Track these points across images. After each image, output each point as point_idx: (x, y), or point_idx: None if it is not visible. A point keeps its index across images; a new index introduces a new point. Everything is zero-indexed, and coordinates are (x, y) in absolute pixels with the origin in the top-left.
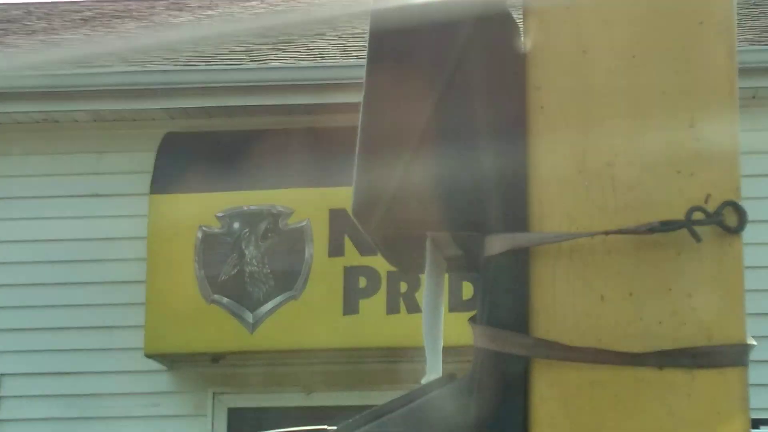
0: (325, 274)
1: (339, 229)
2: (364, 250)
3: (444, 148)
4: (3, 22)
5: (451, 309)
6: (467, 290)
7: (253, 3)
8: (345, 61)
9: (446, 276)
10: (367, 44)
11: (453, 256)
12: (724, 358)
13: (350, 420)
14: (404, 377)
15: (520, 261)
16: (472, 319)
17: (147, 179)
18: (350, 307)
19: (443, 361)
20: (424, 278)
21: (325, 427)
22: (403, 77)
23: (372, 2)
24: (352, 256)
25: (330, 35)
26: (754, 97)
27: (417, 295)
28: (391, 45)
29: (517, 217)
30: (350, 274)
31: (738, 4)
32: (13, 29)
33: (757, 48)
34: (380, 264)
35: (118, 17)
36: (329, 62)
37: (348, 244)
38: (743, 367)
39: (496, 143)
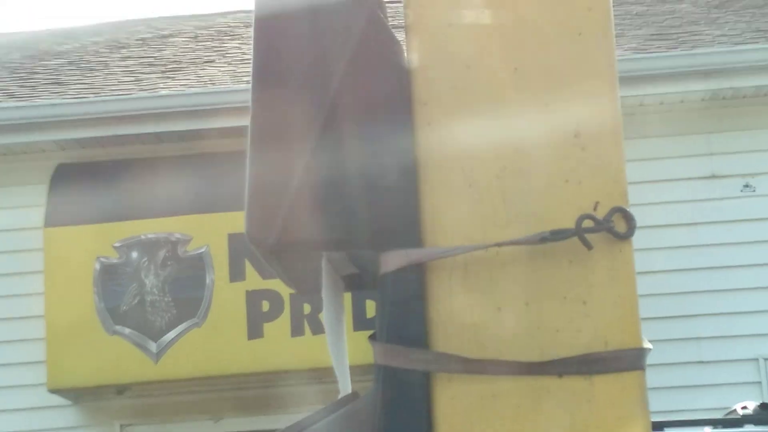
0: (227, 299)
1: (239, 254)
2: (265, 273)
3: (334, 168)
4: None
5: (356, 328)
6: (371, 309)
7: (140, 28)
8: (235, 86)
9: (348, 294)
10: (251, 64)
11: (350, 275)
12: (620, 363)
13: None
14: (313, 399)
15: (416, 276)
16: (372, 337)
17: (41, 212)
18: (255, 331)
19: (355, 380)
20: (323, 298)
21: None
22: (288, 101)
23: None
24: (253, 280)
25: (219, 62)
26: (641, 105)
27: (320, 315)
28: (275, 69)
29: (411, 233)
30: (253, 298)
31: (621, 14)
32: None
33: (642, 56)
34: (282, 287)
35: (2, 48)
36: (220, 88)
37: (249, 268)
38: (641, 370)
39: (384, 162)
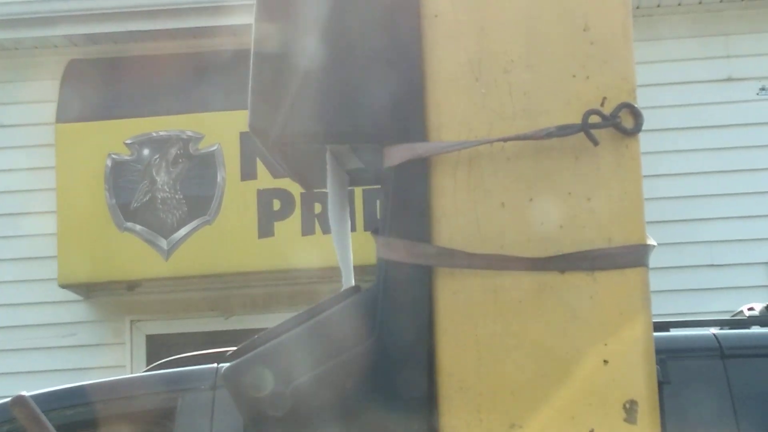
0: (238, 197)
1: (250, 153)
2: (276, 172)
3: (338, 60)
4: None
5: (367, 228)
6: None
7: None
8: None
9: (359, 194)
10: None
11: (355, 169)
12: (624, 260)
13: (251, 340)
14: (323, 297)
15: (419, 171)
16: (375, 231)
17: (52, 108)
18: (265, 229)
19: (366, 280)
20: (328, 192)
21: (230, 348)
22: None
23: None
24: (264, 179)
25: None
26: (659, 6)
27: None
28: None
29: (416, 127)
30: (263, 196)
31: None
32: None
33: None
34: (293, 186)
35: None
36: None
37: (260, 167)
38: (644, 267)
39: (391, 54)
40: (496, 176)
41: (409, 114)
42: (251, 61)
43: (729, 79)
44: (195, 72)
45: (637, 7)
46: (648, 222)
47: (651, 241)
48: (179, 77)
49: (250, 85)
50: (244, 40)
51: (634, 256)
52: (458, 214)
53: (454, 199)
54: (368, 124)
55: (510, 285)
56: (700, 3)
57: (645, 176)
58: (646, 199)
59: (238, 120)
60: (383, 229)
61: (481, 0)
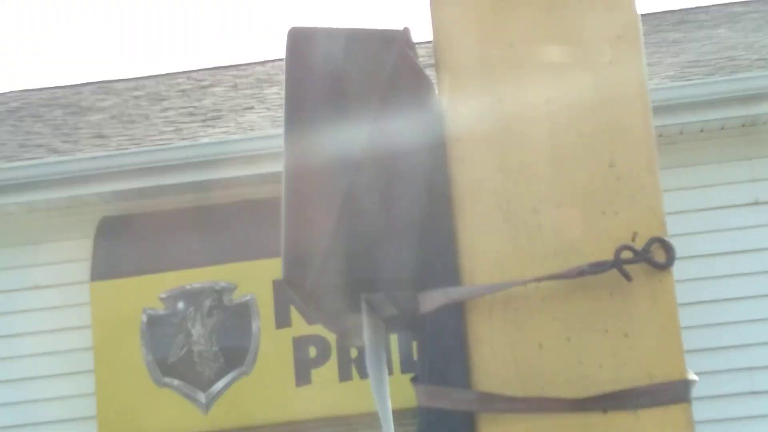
0: (274, 346)
1: (284, 300)
2: (310, 319)
3: (369, 210)
4: None
5: (404, 370)
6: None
7: (180, 80)
8: (275, 131)
9: (394, 336)
10: (283, 107)
11: (390, 317)
12: (666, 396)
13: None
14: None
15: (455, 315)
16: (413, 379)
17: (87, 266)
18: (302, 378)
19: (404, 423)
20: (365, 341)
21: None
22: (320, 144)
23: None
24: (299, 326)
25: (259, 108)
26: (681, 133)
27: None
28: (310, 111)
29: (449, 271)
30: (299, 344)
31: (657, 42)
32: None
33: (680, 84)
34: (328, 332)
35: (45, 106)
36: (260, 133)
37: (294, 315)
38: (687, 403)
39: (420, 200)
40: (532, 317)
41: (442, 259)
42: (282, 213)
43: (756, 203)
44: (226, 222)
45: (660, 136)
46: (687, 350)
47: (692, 376)
48: (210, 228)
49: (282, 236)
50: (274, 188)
51: (676, 392)
52: (496, 358)
53: (491, 342)
54: (402, 272)
55: (553, 427)
56: (722, 129)
57: (680, 304)
58: (684, 327)
59: (271, 268)
60: (422, 377)
61: (505, 141)
